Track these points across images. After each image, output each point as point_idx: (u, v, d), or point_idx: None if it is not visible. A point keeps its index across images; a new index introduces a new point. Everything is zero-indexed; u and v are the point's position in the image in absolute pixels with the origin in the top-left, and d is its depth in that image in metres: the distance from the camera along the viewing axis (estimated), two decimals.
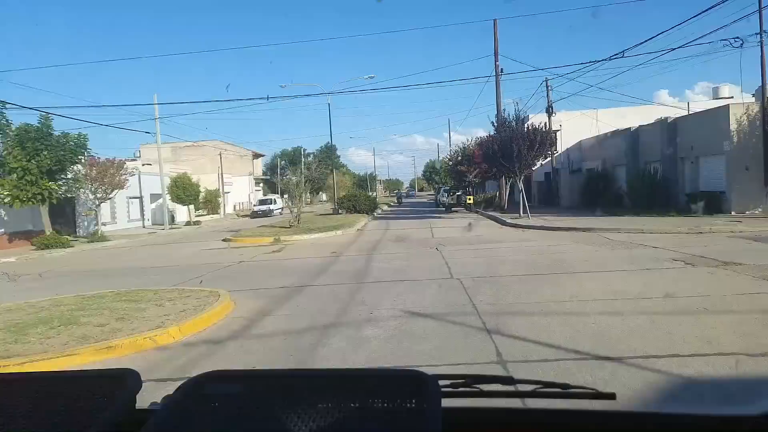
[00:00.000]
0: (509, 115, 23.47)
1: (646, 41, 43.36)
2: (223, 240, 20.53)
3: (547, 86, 27.92)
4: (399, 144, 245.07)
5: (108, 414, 0.93)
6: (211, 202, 48.48)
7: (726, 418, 1.01)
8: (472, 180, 38.04)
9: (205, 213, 47.68)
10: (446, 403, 0.95)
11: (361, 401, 0.90)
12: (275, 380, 1.02)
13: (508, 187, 29.88)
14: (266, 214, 43.88)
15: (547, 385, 1.17)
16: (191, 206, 38.94)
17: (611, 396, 1.14)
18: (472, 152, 39.26)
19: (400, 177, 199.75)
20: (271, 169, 75.15)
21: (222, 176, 50.16)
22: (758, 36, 16.55)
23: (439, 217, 28.15)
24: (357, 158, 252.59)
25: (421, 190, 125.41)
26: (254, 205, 46.86)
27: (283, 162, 76.36)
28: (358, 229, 22.25)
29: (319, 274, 11.09)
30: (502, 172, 25.53)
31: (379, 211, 37.39)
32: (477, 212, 30.47)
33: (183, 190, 34.92)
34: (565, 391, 1.16)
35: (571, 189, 28.14)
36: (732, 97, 33.29)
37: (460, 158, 41.72)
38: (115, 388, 1.00)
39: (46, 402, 1.01)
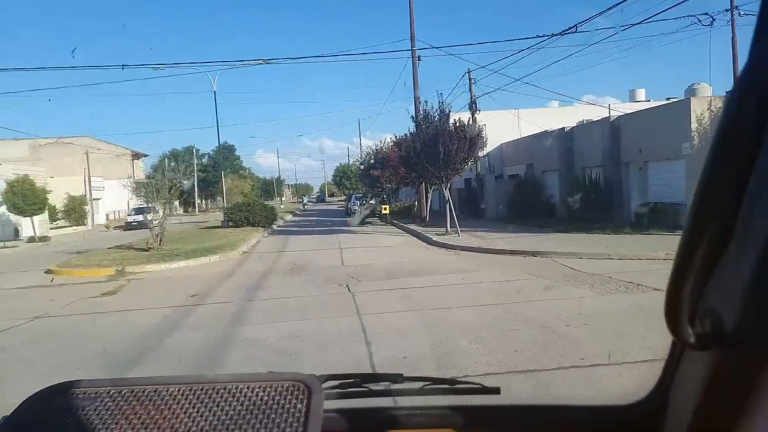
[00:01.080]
0: (431, 108, 19.54)
1: (570, 29, 42.13)
2: (46, 271, 14.50)
3: (470, 79, 24.48)
4: (308, 147, 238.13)
5: None
6: (75, 211, 40.34)
7: (598, 408, 1.13)
8: (386, 186, 34.03)
9: (66, 224, 39.49)
10: (335, 404, 1.01)
11: (240, 408, 0.83)
12: (135, 389, 0.89)
13: (429, 195, 26.17)
14: (143, 225, 36.79)
15: (435, 381, 1.19)
16: (38, 217, 31.16)
17: (496, 390, 1.17)
18: (387, 154, 35.25)
19: (310, 182, 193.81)
20: (160, 172, 66.69)
21: (89, 179, 42.07)
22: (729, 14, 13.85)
23: (351, 231, 23.63)
24: (264, 161, 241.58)
25: (331, 195, 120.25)
26: (128, 215, 39.47)
27: (172, 164, 68.13)
28: (243, 252, 17.12)
29: (142, 354, 6.12)
30: (423, 178, 21.56)
31: (281, 222, 32.12)
32: (393, 224, 26.44)
33: (22, 198, 27.39)
34: (452, 387, 1.19)
35: (497, 197, 24.89)
36: (649, 101, 32.44)
37: (372, 161, 37.57)
38: None
39: None
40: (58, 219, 38.80)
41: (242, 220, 25.47)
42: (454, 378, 1.21)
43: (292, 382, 0.90)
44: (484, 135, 19.29)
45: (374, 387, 1.16)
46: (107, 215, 45.12)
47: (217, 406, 0.85)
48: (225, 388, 0.90)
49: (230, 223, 25.77)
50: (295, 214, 45.65)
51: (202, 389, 0.90)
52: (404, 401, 1.19)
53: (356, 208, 35.37)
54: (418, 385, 1.18)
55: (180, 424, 0.82)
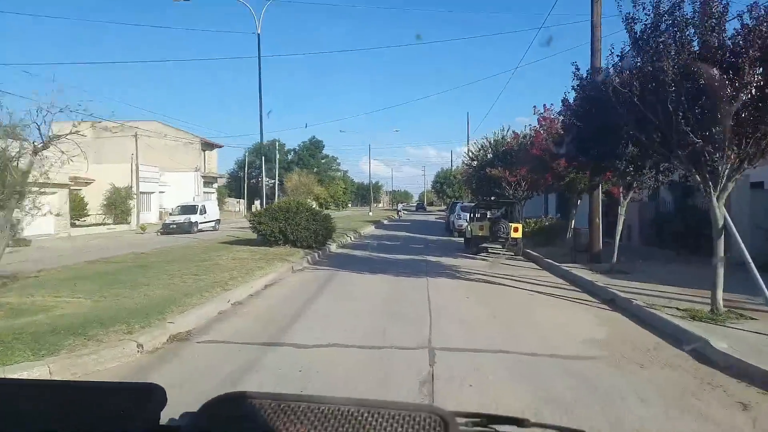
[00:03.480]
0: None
1: None
2: None
3: None
4: (410, 155, 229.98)
5: (133, 429, 0.93)
6: (117, 207, 33.20)
7: None
8: (510, 193, 22.43)
9: (106, 222, 32.40)
10: None
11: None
12: (296, 405, 0.98)
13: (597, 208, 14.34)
14: (185, 228, 28.51)
15: (563, 429, 1.18)
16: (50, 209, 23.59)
17: None
18: (521, 143, 23.72)
19: (410, 189, 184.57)
20: (243, 168, 60.00)
21: (137, 168, 34.89)
22: None
23: (455, 272, 12.52)
24: (360, 166, 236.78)
25: (430, 204, 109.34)
26: (170, 214, 31.45)
27: (252, 158, 61.23)
28: (206, 321, 6.80)
29: None
30: (634, 172, 10.16)
31: (348, 238, 21.75)
32: (531, 258, 15.04)
33: None
34: None
35: (754, 225, 12.45)
36: None
37: (489, 156, 26.16)
38: (142, 402, 1.00)
39: (72, 412, 1.00)
40: (89, 214, 31.77)
41: (275, 234, 15.38)
42: (582, 430, 1.17)
43: (430, 414, 0.93)
44: None
45: (500, 429, 1.15)
46: (161, 212, 37.84)
47: (363, 428, 0.91)
48: (369, 412, 0.95)
49: (263, 238, 15.78)
50: (379, 225, 35.20)
51: (348, 411, 0.95)
52: None
53: (461, 222, 24.14)
54: (547, 431, 1.18)
55: None
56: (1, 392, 1.12)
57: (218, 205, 49.79)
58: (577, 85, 10.00)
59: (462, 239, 21.37)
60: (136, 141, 35.12)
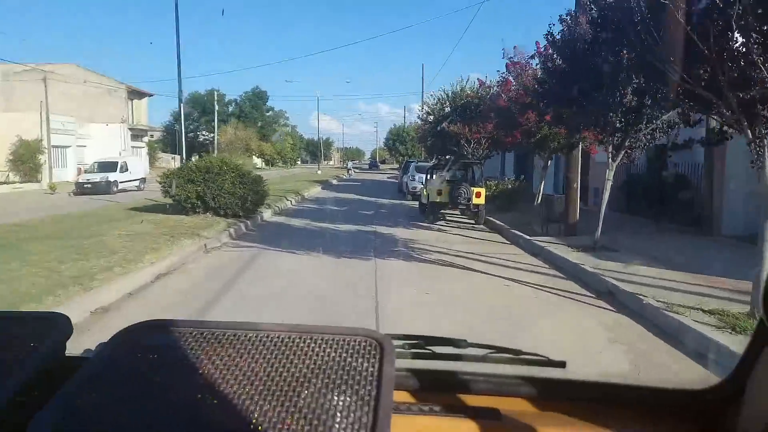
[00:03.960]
0: None
1: None
2: None
3: None
4: (363, 111, 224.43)
5: (34, 360, 0.88)
6: (24, 162, 28.95)
7: (665, 391, 1.09)
8: (472, 151, 20.28)
9: (7, 179, 28.19)
10: (401, 364, 1.01)
11: (315, 359, 0.85)
12: (218, 333, 0.92)
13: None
14: (102, 189, 24.98)
15: (499, 350, 1.20)
16: None
17: (562, 364, 1.16)
18: (479, 96, 21.52)
19: (362, 146, 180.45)
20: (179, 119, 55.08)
21: (47, 118, 30.40)
22: None
23: (409, 249, 10.29)
24: (319, 124, 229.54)
25: (382, 162, 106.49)
26: (85, 171, 27.56)
27: (189, 109, 56.35)
28: None
29: None
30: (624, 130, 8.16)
31: (286, 204, 19.17)
32: (494, 228, 13.08)
33: None
34: (516, 357, 1.19)
35: (747, 195, 10.84)
36: None
37: (447, 110, 23.85)
38: (44, 331, 0.94)
39: None
40: None
41: (191, 201, 12.62)
42: (519, 349, 1.20)
43: (366, 337, 0.90)
44: None
45: (438, 350, 1.18)
46: (79, 168, 33.62)
47: (294, 354, 0.87)
48: (301, 338, 0.91)
49: (178, 204, 12.96)
50: (327, 186, 32.53)
51: (278, 337, 0.91)
52: (467, 367, 1.17)
53: (416, 184, 21.94)
54: (482, 352, 1.19)
55: (259, 369, 0.84)
56: None
57: (149, 162, 45.49)
58: (572, 12, 7.70)
59: (416, 203, 19.24)
60: (46, 85, 30.57)
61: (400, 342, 1.14)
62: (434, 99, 24.99)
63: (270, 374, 0.82)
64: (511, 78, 14.55)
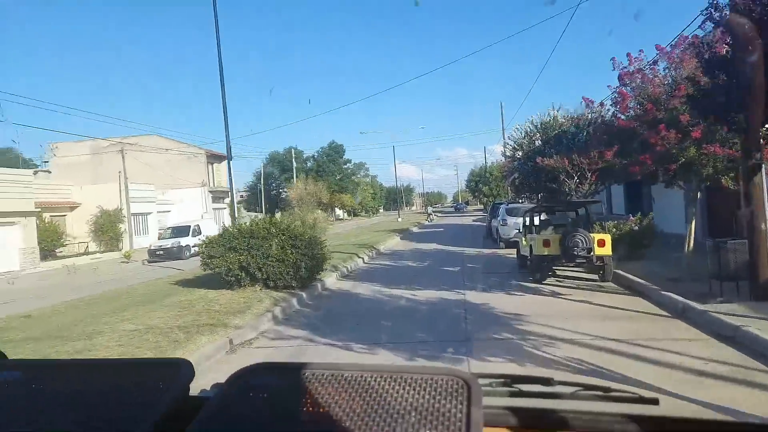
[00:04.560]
0: None
1: None
2: None
3: None
4: (441, 156, 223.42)
5: (163, 402, 0.95)
6: (105, 232, 29.02)
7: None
8: (575, 187, 16.72)
9: (86, 250, 28.24)
10: (487, 401, 1.01)
11: (406, 397, 0.90)
12: (320, 373, 1.00)
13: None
14: (174, 254, 23.92)
15: (587, 387, 1.19)
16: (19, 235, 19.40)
17: (654, 401, 1.14)
18: (577, 124, 18.26)
19: (443, 190, 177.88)
20: (262, 179, 55.71)
21: (126, 187, 30.62)
22: None
23: (516, 331, 7.05)
24: (398, 172, 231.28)
25: (466, 203, 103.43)
26: (159, 237, 26.87)
27: (270, 168, 56.86)
28: None
29: None
30: None
31: (357, 262, 16.51)
32: (644, 294, 9.39)
33: None
34: (606, 394, 1.17)
35: None
36: None
37: (537, 143, 20.50)
38: (170, 376, 1.01)
39: (101, 390, 1.02)
40: (65, 243, 27.55)
41: (234, 273, 10.25)
42: (608, 386, 1.18)
43: (452, 377, 0.93)
44: None
45: (525, 388, 1.17)
46: (160, 233, 33.57)
47: (388, 393, 0.91)
48: (392, 377, 0.95)
49: (221, 276, 10.65)
50: (406, 235, 29.72)
51: (371, 377, 0.96)
52: (555, 404, 1.15)
53: (509, 230, 18.55)
54: (570, 389, 1.18)
55: (357, 405, 0.89)
56: (30, 373, 1.14)
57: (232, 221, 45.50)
58: None
59: (511, 253, 15.87)
60: (123, 156, 30.94)
61: (487, 381, 1.16)
62: (521, 132, 21.74)
63: (367, 411, 0.88)
64: (626, 90, 11.17)
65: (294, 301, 9.80)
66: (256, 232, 10.56)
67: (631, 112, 10.98)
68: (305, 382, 0.96)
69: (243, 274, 10.29)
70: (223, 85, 14.78)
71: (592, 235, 10.46)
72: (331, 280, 12.49)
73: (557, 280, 11.23)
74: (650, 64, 10.53)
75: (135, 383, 1.02)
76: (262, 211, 53.15)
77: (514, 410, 1.09)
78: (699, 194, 10.70)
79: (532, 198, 28.95)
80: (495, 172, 57.73)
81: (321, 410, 0.90)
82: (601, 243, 10.41)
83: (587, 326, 6.90)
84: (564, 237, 10.43)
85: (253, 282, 10.47)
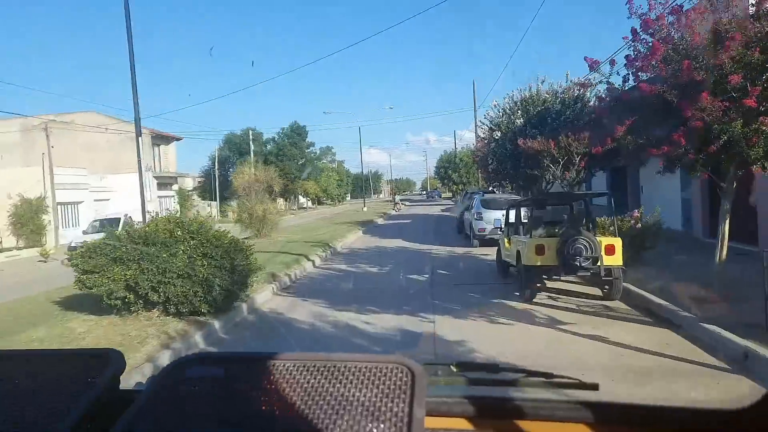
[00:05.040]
0: None
1: None
2: None
3: None
4: (410, 141, 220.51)
5: (91, 394, 0.93)
6: (25, 224, 25.36)
7: (702, 411, 1.06)
8: (561, 174, 14.40)
9: (6, 246, 24.60)
10: (434, 391, 1.05)
11: (350, 388, 0.89)
12: (258, 363, 0.99)
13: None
14: None
15: (531, 374, 1.22)
16: None
17: (594, 387, 1.18)
18: (563, 100, 15.98)
19: (413, 176, 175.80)
20: (218, 163, 51.93)
21: (51, 171, 26.93)
22: None
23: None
24: (367, 157, 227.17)
25: (438, 192, 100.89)
26: (83, 232, 23.43)
27: (224, 152, 53.17)
28: None
29: None
30: None
31: (303, 267, 13.73)
32: (674, 322, 6.97)
33: None
34: (549, 380, 1.21)
35: None
36: None
37: (518, 122, 18.03)
38: (99, 367, 0.99)
39: (26, 381, 1.00)
40: None
41: (119, 296, 7.38)
42: (550, 372, 1.20)
43: (397, 364, 0.92)
44: None
45: (469, 375, 1.18)
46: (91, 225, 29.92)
47: (329, 382, 0.90)
48: (335, 366, 0.94)
49: (102, 300, 7.72)
50: (369, 229, 27.01)
51: (315, 366, 0.94)
52: (497, 391, 1.17)
53: (484, 225, 16.11)
54: (514, 376, 1.21)
55: (297, 396, 0.88)
56: None
57: (181, 211, 41.96)
58: None
59: (489, 253, 13.48)
60: (47, 135, 27.16)
61: (433, 368, 1.17)
62: (498, 110, 19.24)
63: (307, 403, 0.86)
64: (659, 42, 8.56)
65: (198, 336, 7.05)
66: (154, 237, 7.71)
67: (667, 72, 8.45)
68: (244, 374, 0.95)
69: (131, 297, 7.46)
70: (130, 42, 11.78)
71: (599, 239, 8.03)
72: (264, 296, 9.76)
73: (549, 296, 8.83)
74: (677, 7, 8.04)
75: (62, 374, 1.00)
76: (215, 200, 49.63)
77: (466, 399, 1.11)
78: (734, 183, 8.30)
79: (505, 186, 26.62)
80: (465, 158, 55.60)
81: (259, 403, 0.89)
82: (610, 250, 8.00)
83: (614, 389, 4.43)
84: (563, 242, 7.96)
85: (149, 306, 7.67)
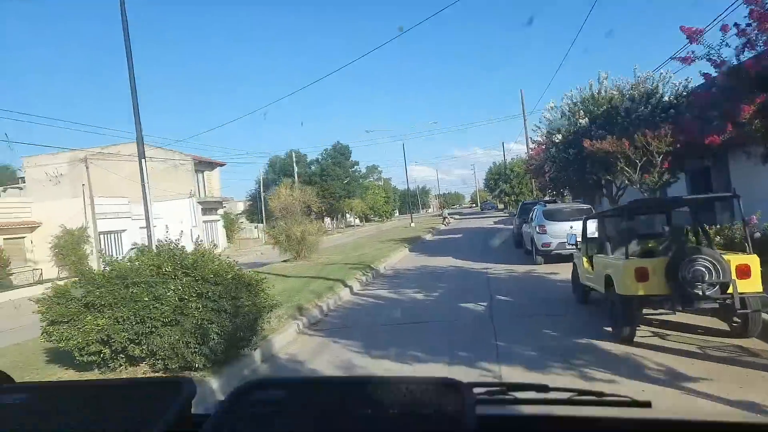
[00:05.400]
0: None
1: None
2: None
3: None
4: (456, 157, 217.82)
5: (163, 420, 0.95)
6: (65, 254, 25.04)
7: (756, 426, 1.04)
8: (639, 177, 12.11)
9: (40, 279, 24.29)
10: (481, 410, 0.99)
11: (400, 408, 0.91)
12: (319, 387, 1.04)
13: None
14: None
15: (582, 393, 1.18)
16: None
17: (647, 404, 1.13)
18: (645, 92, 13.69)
19: (461, 190, 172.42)
20: (263, 186, 51.62)
21: (92, 202, 26.64)
22: None
23: None
24: (413, 173, 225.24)
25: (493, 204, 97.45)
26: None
27: (269, 175, 52.76)
28: None
29: None
30: None
31: (335, 297, 11.94)
32: None
33: None
34: (600, 399, 1.18)
35: None
36: None
37: (581, 122, 15.71)
38: (171, 395, 1.02)
39: (102, 409, 1.04)
40: (11, 272, 23.59)
41: (98, 352, 5.81)
42: (601, 391, 1.17)
43: (446, 386, 0.93)
44: None
45: (519, 395, 1.16)
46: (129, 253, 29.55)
47: (383, 404, 0.92)
48: (390, 388, 0.97)
49: (74, 356, 6.20)
50: (417, 246, 24.96)
51: (367, 388, 0.98)
52: (551, 410, 1.17)
53: (550, 239, 13.85)
54: (565, 395, 1.18)
55: (355, 419, 0.91)
56: (33, 395, 1.14)
57: (227, 235, 41.50)
58: None
59: (557, 271, 11.32)
60: (87, 167, 26.97)
61: (483, 389, 1.14)
62: (557, 113, 16.96)
63: (367, 421, 0.90)
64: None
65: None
66: (133, 276, 6.13)
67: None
68: (308, 397, 0.99)
69: (107, 351, 5.86)
70: (131, 67, 10.62)
71: (725, 257, 5.79)
72: (286, 337, 8.00)
73: (653, 332, 6.63)
74: None
75: (138, 402, 1.04)
76: (262, 222, 49.11)
77: (511, 419, 1.11)
78: None
79: (565, 195, 24.07)
80: (516, 167, 52.78)
81: (324, 424, 0.92)
82: (744, 271, 5.74)
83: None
84: (675, 263, 5.77)
85: (131, 362, 6.06)
